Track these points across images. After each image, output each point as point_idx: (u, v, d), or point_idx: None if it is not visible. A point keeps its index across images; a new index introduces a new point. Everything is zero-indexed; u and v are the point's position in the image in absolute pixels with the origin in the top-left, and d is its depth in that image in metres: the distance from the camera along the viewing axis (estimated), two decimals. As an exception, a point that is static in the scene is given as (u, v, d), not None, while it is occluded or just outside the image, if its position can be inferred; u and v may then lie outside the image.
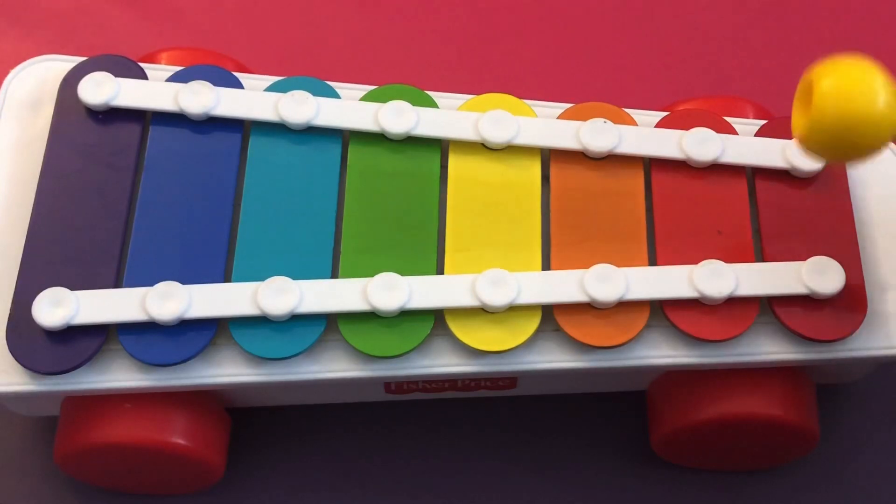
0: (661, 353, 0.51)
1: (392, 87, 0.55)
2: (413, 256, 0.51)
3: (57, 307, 0.49)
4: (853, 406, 0.58)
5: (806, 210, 0.52)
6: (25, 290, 0.50)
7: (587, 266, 0.50)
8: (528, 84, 0.68)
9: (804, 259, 0.51)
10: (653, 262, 0.52)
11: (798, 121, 0.46)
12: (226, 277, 0.51)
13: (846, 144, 0.45)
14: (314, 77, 0.55)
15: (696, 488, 0.57)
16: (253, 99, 0.54)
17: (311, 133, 0.54)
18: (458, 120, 0.54)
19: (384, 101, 0.54)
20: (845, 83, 0.44)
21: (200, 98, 0.53)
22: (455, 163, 0.53)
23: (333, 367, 0.50)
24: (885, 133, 0.44)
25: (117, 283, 0.50)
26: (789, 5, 0.71)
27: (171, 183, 0.52)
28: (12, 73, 0.56)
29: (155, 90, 0.54)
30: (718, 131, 0.54)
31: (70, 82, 0.54)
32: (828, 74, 0.45)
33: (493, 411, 0.58)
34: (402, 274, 0.50)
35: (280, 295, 0.49)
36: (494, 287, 0.50)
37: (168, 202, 0.52)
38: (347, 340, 0.50)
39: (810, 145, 0.46)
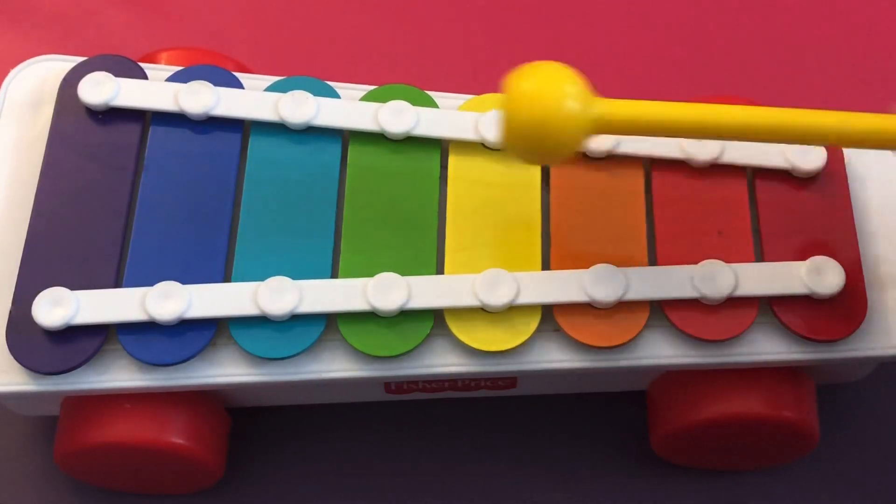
0: (661, 353, 0.51)
1: (392, 87, 0.55)
2: (413, 256, 0.51)
3: (57, 307, 0.49)
4: (853, 406, 0.58)
5: (806, 210, 0.52)
6: (25, 290, 0.50)
7: (587, 266, 0.50)
8: (528, 84, 0.67)
9: (804, 259, 0.51)
10: (653, 262, 0.52)
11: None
12: (226, 277, 0.51)
13: (536, 145, 0.45)
14: (314, 77, 0.55)
15: (696, 488, 0.57)
16: (253, 99, 0.54)
17: (311, 133, 0.53)
18: (458, 120, 0.54)
19: (384, 101, 0.54)
20: (532, 89, 0.45)
21: (200, 98, 0.53)
22: (455, 163, 0.53)
23: (333, 367, 0.50)
24: (572, 135, 0.45)
25: (117, 283, 0.50)
26: (789, 5, 0.71)
27: (171, 183, 0.52)
28: (12, 73, 0.55)
29: (155, 90, 0.54)
30: (718, 131, 0.54)
31: (70, 82, 0.54)
32: (518, 79, 0.45)
33: (493, 411, 0.58)
34: (402, 274, 0.50)
35: (280, 295, 0.49)
36: (494, 287, 0.50)
37: (168, 202, 0.52)
38: (347, 340, 0.50)
39: (506, 146, 0.46)
